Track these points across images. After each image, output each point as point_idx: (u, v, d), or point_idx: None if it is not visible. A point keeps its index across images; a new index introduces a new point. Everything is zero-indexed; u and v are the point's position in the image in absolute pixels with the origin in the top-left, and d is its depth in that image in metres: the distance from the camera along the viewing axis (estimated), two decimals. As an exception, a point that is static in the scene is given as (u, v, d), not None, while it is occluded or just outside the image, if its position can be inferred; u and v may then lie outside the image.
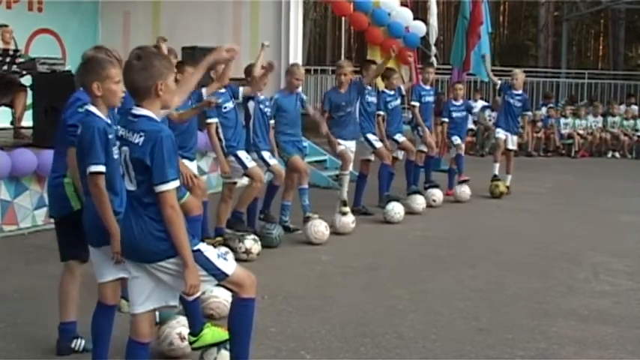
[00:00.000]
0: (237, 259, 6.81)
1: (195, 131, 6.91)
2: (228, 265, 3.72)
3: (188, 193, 5.73)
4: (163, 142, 3.44)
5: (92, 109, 4.11)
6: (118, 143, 3.63)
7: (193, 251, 3.55)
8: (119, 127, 3.63)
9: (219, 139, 7.26)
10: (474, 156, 16.02)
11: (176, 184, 3.48)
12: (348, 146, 8.90)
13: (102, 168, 3.95)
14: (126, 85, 3.68)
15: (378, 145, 9.38)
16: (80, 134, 4.07)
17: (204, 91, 7.02)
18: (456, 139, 10.92)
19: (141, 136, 3.46)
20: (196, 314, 4.48)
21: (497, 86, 11.43)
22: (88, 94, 4.15)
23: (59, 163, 4.49)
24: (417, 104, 10.48)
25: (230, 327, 3.93)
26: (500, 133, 11.15)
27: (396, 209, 8.93)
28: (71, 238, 4.42)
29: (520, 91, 11.19)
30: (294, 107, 8.22)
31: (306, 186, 8.31)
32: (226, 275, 3.69)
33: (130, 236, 3.56)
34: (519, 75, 11.27)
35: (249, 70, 7.82)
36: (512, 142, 11.22)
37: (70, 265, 4.61)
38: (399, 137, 9.96)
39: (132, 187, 3.55)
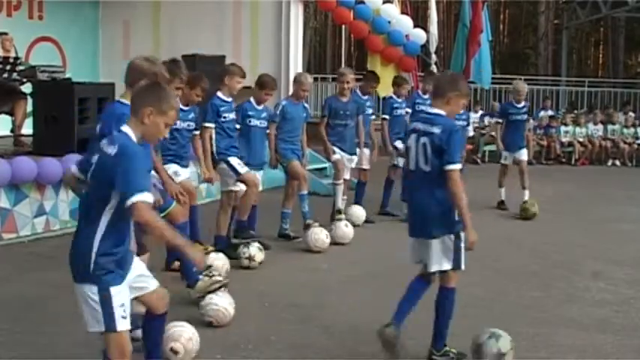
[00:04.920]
0: (240, 266, 6.86)
1: (189, 141, 6.88)
2: (123, 321, 3.60)
3: (175, 202, 5.68)
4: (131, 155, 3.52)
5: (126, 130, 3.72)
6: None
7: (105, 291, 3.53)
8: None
9: (211, 145, 7.24)
10: (473, 164, 15.94)
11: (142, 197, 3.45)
12: (348, 159, 8.91)
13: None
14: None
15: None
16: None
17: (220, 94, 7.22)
18: None
19: (114, 148, 3.54)
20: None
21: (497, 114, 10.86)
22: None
23: None
24: (408, 111, 10.45)
25: None
26: (507, 159, 10.55)
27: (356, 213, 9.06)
28: None
29: (523, 103, 10.67)
30: (299, 115, 8.24)
31: (305, 192, 8.31)
32: (114, 330, 3.58)
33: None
34: (522, 88, 10.69)
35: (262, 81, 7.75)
36: (523, 154, 10.58)
37: None
38: (399, 144, 9.96)
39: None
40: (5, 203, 7.65)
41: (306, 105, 8.45)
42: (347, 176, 8.98)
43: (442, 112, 4.61)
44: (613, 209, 11.04)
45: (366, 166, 9.51)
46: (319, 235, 7.74)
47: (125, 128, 3.65)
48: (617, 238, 8.92)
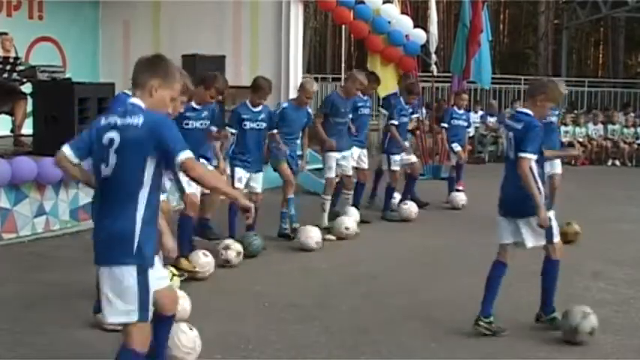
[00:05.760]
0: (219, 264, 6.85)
1: (201, 139, 6.80)
2: (152, 310, 3.58)
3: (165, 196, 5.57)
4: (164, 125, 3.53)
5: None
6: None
7: (144, 272, 3.45)
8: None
9: None
10: (476, 164, 15.77)
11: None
12: (345, 156, 8.77)
13: None
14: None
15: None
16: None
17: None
18: (457, 147, 10.87)
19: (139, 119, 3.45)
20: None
21: None
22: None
23: None
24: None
25: None
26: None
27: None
28: None
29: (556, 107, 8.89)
30: (300, 120, 8.22)
31: (291, 196, 8.18)
32: (146, 319, 3.51)
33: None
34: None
35: (257, 84, 7.68)
36: (557, 167, 9.38)
37: None
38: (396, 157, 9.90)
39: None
40: (5, 203, 7.65)
41: (309, 110, 8.42)
42: (350, 172, 8.94)
43: (529, 112, 5.29)
44: (613, 209, 11.04)
45: (364, 165, 9.49)
46: (311, 233, 7.73)
47: (135, 100, 3.53)
48: (617, 238, 8.92)
